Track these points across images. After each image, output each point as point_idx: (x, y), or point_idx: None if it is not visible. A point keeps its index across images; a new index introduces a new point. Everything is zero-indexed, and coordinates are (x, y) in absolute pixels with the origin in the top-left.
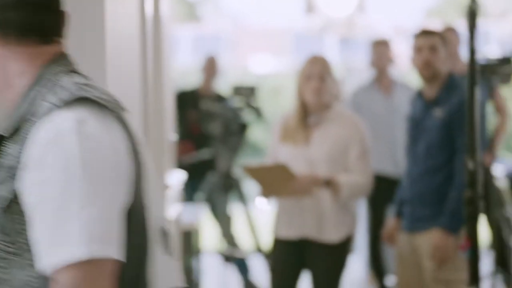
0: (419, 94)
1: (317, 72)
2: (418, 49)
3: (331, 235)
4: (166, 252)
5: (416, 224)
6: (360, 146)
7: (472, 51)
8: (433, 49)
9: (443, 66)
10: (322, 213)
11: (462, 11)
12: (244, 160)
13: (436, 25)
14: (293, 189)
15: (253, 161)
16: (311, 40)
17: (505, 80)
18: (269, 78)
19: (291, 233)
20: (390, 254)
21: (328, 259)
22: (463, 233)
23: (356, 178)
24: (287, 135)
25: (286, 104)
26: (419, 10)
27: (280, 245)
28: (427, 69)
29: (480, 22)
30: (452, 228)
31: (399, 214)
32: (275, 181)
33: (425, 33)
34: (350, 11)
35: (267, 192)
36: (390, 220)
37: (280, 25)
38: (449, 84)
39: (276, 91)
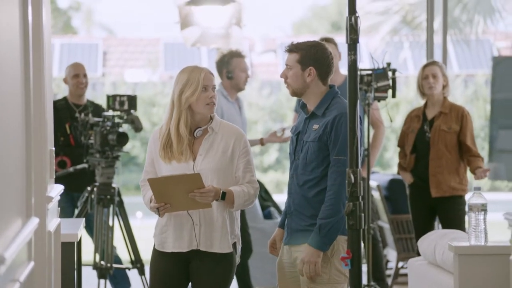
0: (303, 107)
1: (213, 84)
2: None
3: (222, 245)
4: None
5: (293, 236)
6: (246, 157)
7: (354, 66)
8: (287, 66)
9: (297, 83)
10: (212, 224)
11: (329, 24)
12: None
13: (305, 38)
14: (197, 201)
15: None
16: (186, 51)
17: (381, 93)
18: (143, 88)
19: (179, 245)
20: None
21: (218, 269)
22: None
23: (247, 189)
24: (171, 149)
25: (160, 114)
26: (288, 23)
27: (165, 257)
28: (286, 86)
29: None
30: (319, 245)
31: (283, 226)
32: (179, 193)
33: (287, 50)
34: (226, 23)
35: (164, 203)
36: (276, 230)
37: (154, 36)
38: (328, 98)
39: (150, 101)
